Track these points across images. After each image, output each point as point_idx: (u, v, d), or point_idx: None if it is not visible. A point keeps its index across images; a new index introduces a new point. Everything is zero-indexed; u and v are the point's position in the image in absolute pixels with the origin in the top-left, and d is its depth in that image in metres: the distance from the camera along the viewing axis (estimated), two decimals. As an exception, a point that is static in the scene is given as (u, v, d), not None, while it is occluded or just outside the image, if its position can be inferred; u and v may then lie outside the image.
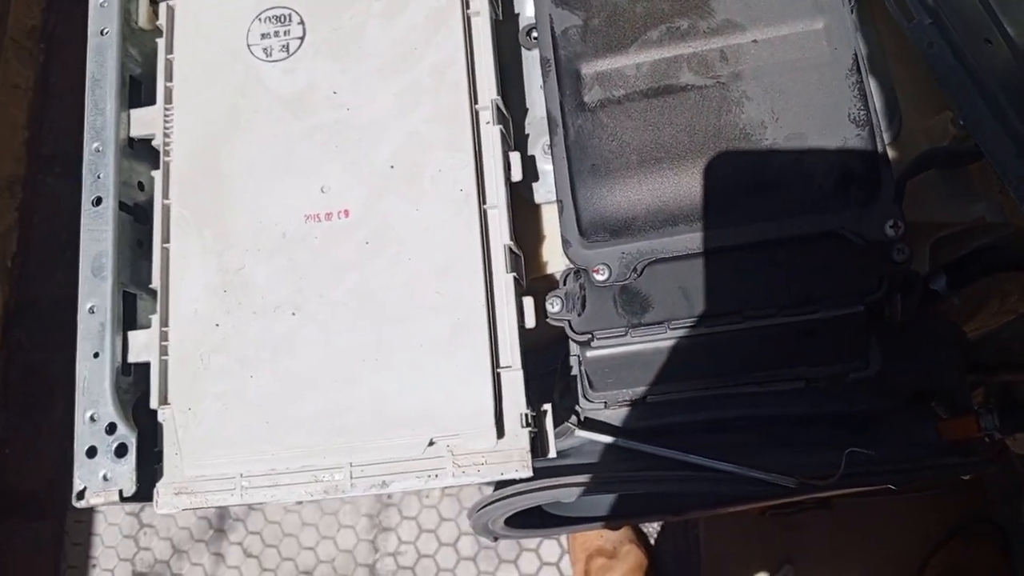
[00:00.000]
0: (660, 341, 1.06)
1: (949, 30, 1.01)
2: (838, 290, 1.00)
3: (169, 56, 1.16)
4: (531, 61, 1.22)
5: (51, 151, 3.01)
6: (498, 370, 1.00)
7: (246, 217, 1.07)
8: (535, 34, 1.22)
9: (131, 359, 1.07)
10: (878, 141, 0.95)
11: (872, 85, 1.05)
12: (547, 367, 1.29)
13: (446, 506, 2.49)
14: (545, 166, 1.18)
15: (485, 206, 1.05)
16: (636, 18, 1.02)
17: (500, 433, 0.99)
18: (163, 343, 1.06)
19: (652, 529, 2.38)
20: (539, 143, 1.19)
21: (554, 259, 1.19)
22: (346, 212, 1.06)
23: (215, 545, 2.61)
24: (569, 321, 1.07)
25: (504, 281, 1.03)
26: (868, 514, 2.23)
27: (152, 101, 1.17)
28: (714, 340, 1.05)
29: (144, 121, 1.15)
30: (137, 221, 1.14)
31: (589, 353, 1.08)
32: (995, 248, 1.16)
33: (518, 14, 1.25)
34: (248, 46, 1.13)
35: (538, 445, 1.03)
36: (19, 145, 2.98)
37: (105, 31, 1.16)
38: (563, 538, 2.37)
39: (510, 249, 1.05)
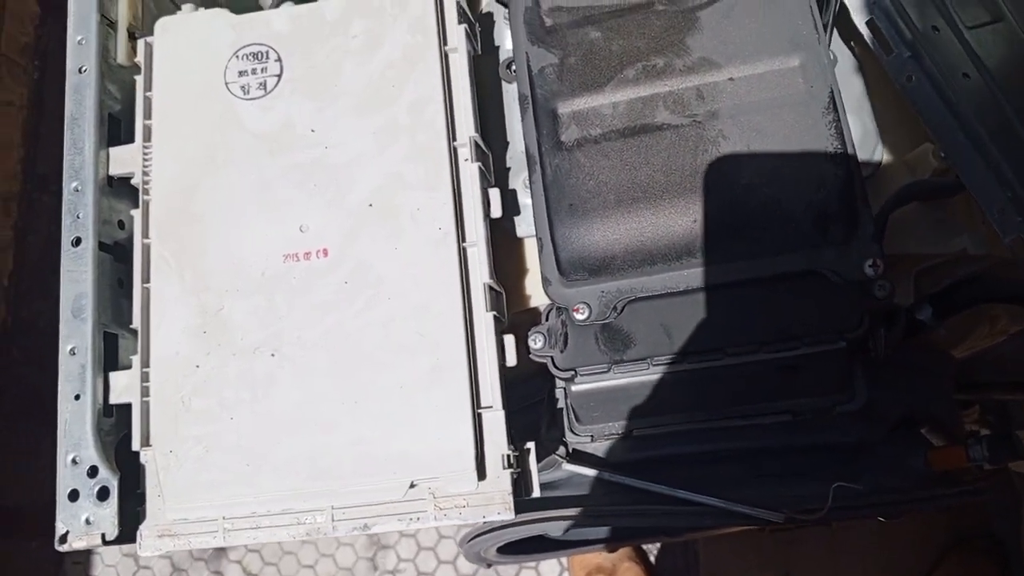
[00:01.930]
0: (643, 376, 1.06)
1: (928, 64, 1.00)
2: (819, 327, 0.99)
3: (148, 94, 1.16)
4: (512, 94, 1.21)
5: (46, 169, 3.01)
6: (479, 411, 0.99)
7: (225, 257, 1.07)
8: (512, 66, 1.22)
9: (112, 400, 1.07)
10: (856, 179, 0.94)
11: (851, 118, 1.04)
12: (533, 398, 1.29)
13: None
14: (527, 200, 1.18)
15: (464, 244, 1.04)
16: (612, 56, 1.01)
17: (481, 475, 0.98)
18: (144, 384, 1.05)
19: (652, 547, 2.37)
20: (520, 177, 1.18)
21: (537, 293, 1.19)
22: (324, 251, 1.05)
23: (215, 564, 2.61)
24: (552, 357, 1.07)
25: (484, 320, 1.02)
26: (866, 529, 2.22)
27: (131, 138, 1.17)
28: (697, 375, 1.05)
29: (123, 159, 1.14)
30: (117, 260, 1.14)
31: (574, 388, 1.08)
32: (979, 279, 1.15)
33: (498, 47, 1.24)
34: (226, 83, 1.13)
35: (521, 485, 1.02)
36: (14, 163, 2.98)
37: (83, 69, 1.16)
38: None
39: (490, 287, 1.04)
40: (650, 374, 1.05)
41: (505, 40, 1.24)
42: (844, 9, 1.00)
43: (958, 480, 1.29)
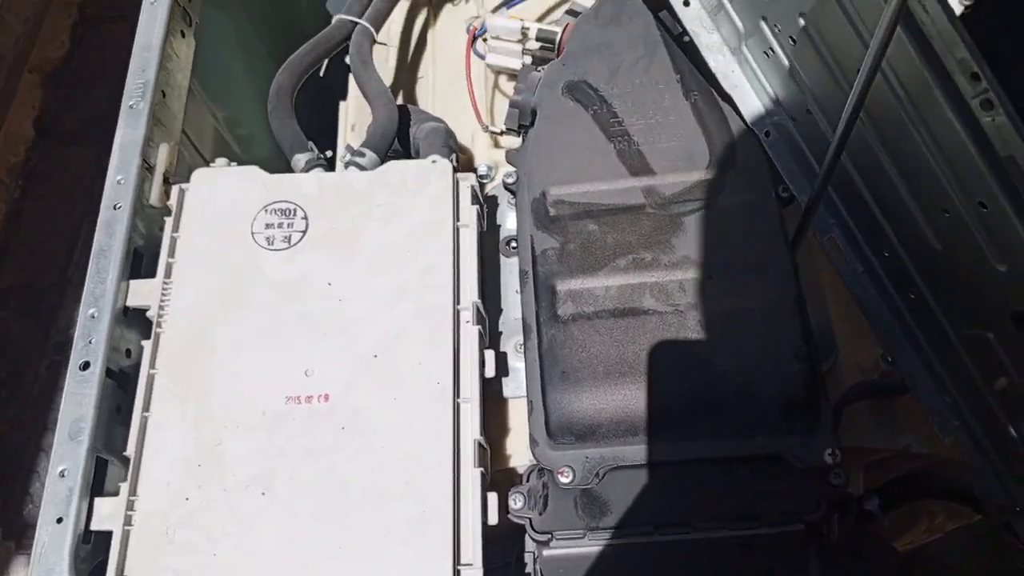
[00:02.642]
0: (615, 544, 1.11)
1: (880, 279, 1.16)
2: (780, 509, 1.07)
3: (174, 234, 1.25)
4: (509, 267, 1.34)
5: (8, 284, 3.01)
6: (458, 567, 1.03)
7: (230, 393, 1.12)
8: (514, 245, 1.35)
9: (94, 527, 1.07)
10: (818, 376, 1.06)
11: (812, 320, 1.18)
12: (501, 559, 1.31)
13: None
14: (516, 363, 1.27)
15: (459, 400, 1.12)
16: (607, 247, 1.15)
17: (455, 631, 1.00)
18: (129, 512, 1.06)
19: None
20: (512, 341, 1.28)
21: (518, 452, 1.25)
22: (326, 397, 1.11)
23: None
24: (530, 519, 1.12)
25: (472, 475, 1.08)
26: None
27: (151, 273, 1.24)
28: (664, 546, 1.10)
29: (142, 292, 1.21)
30: (119, 387, 1.18)
31: (546, 552, 1.12)
32: (922, 475, 1.26)
33: (499, 225, 1.38)
34: (252, 233, 1.23)
35: (491, 645, 1.04)
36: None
37: (118, 206, 1.25)
38: None
39: (479, 444, 1.11)
40: (621, 543, 1.11)
41: (507, 220, 1.38)
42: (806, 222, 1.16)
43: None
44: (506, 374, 1.26)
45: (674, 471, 1.06)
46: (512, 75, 1.60)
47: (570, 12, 1.60)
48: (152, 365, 1.15)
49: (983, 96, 0.79)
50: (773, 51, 1.09)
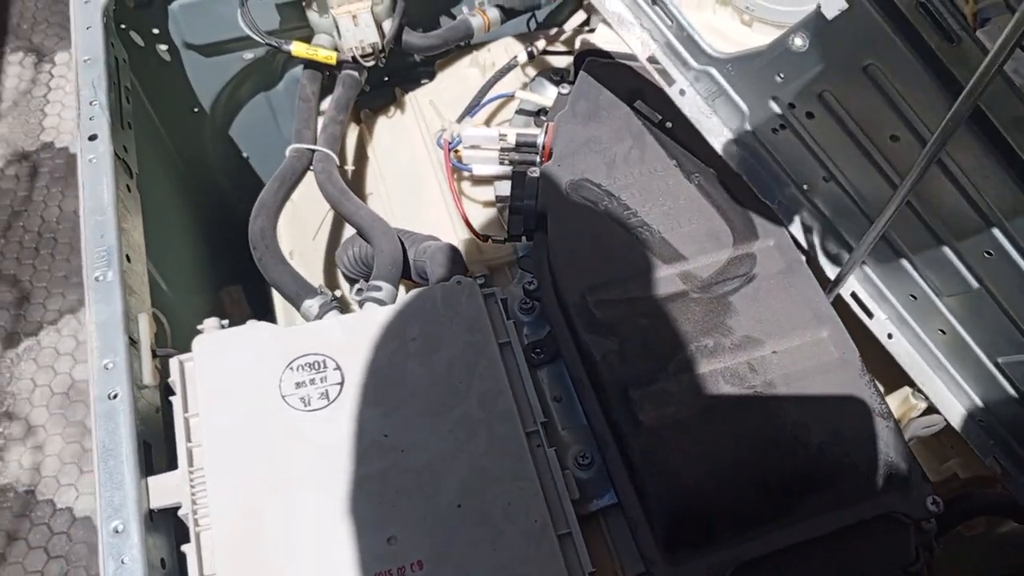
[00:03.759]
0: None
1: (907, 323, 1.23)
2: (888, 566, 1.09)
3: (186, 415, 1.10)
4: (538, 377, 1.28)
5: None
6: None
7: (308, 584, 0.98)
8: (538, 351, 1.30)
9: None
10: (900, 429, 1.10)
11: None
12: None
13: None
14: (580, 475, 1.21)
15: (560, 534, 1.05)
16: (666, 340, 1.14)
17: None
18: None
19: None
20: (569, 454, 1.22)
21: (605, 572, 1.19)
22: (420, 564, 1.00)
23: None
24: (652, 638, 1.06)
25: (597, 613, 1.01)
26: None
27: (162, 466, 1.08)
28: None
29: (167, 489, 1.05)
30: (160, 605, 1.00)
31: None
32: (970, 496, 1.33)
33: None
34: (283, 397, 1.10)
35: None
36: None
37: (114, 395, 1.08)
38: None
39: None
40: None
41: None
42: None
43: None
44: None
45: (792, 553, 1.05)
46: (479, 180, 1.57)
47: (521, 112, 1.62)
48: (202, 572, 0.99)
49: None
50: (784, 127, 1.14)
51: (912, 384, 1.30)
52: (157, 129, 1.84)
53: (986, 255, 1.05)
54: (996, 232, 1.01)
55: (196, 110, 1.90)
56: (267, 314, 1.75)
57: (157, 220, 1.78)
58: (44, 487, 2.63)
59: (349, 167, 1.75)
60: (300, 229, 1.82)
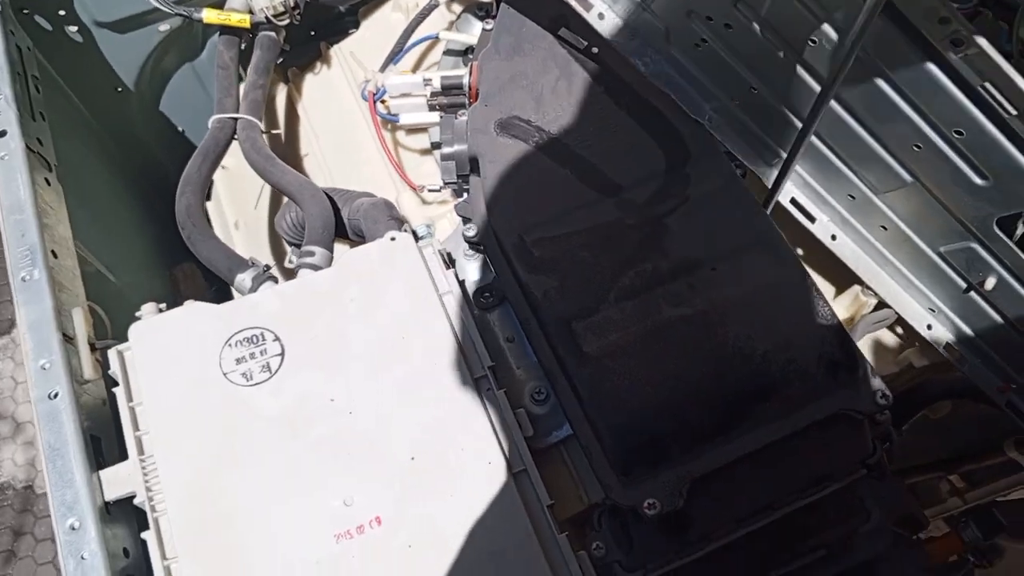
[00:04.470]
0: (704, 552, 1.09)
1: (850, 223, 1.21)
2: (846, 462, 1.10)
3: (131, 404, 1.09)
4: (488, 320, 1.27)
5: None
6: (582, 641, 0.97)
7: (271, 554, 0.99)
8: (487, 295, 1.29)
9: None
10: (843, 327, 1.09)
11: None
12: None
13: None
14: (537, 410, 1.21)
15: (515, 472, 1.05)
16: (605, 270, 1.12)
17: None
18: None
19: None
20: (525, 391, 1.23)
21: (568, 501, 1.20)
22: (378, 520, 1.01)
23: None
24: (619, 561, 1.08)
25: (560, 544, 1.02)
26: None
27: (113, 457, 1.08)
28: (749, 537, 1.10)
29: (120, 480, 1.05)
30: (132, 592, 1.01)
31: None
32: (925, 385, 1.35)
33: (463, 280, 1.32)
34: (225, 374, 1.09)
35: None
36: None
37: (54, 394, 1.07)
38: None
39: (550, 508, 1.05)
40: (710, 548, 1.09)
41: (469, 273, 1.32)
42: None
43: (954, 565, 1.42)
44: (536, 426, 1.20)
45: (747, 462, 1.06)
46: (410, 129, 1.54)
47: (449, 53, 1.57)
48: (164, 555, 1.00)
49: (953, 36, 0.84)
50: (705, 41, 1.11)
51: (861, 282, 1.29)
52: (82, 114, 1.79)
53: (915, 148, 1.03)
54: (920, 123, 0.99)
55: (120, 89, 1.84)
56: (226, 287, 1.73)
57: (95, 209, 1.75)
58: (41, 480, 2.66)
59: (281, 130, 1.71)
60: (242, 198, 1.79)
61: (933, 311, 1.26)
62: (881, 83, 0.97)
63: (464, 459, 1.05)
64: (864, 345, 1.32)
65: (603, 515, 1.11)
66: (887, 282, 1.26)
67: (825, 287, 1.37)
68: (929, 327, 1.27)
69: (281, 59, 1.79)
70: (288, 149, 1.68)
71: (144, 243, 1.93)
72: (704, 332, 1.08)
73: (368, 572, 0.98)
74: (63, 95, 1.71)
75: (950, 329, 1.26)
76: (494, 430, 1.07)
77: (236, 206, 1.81)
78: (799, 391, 1.05)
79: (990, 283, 1.12)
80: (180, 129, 2.02)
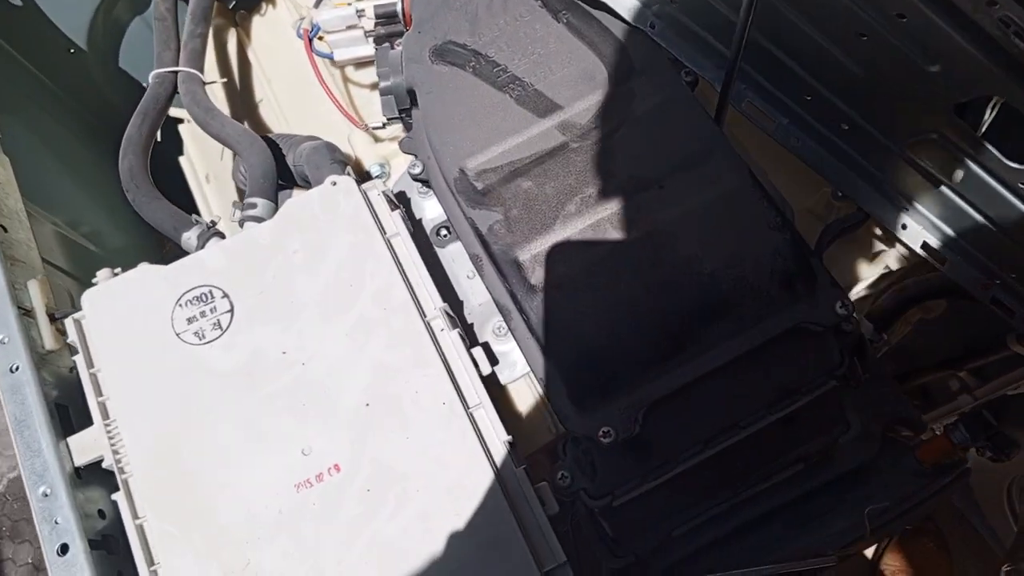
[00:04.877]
0: (672, 474, 1.09)
1: (809, 124, 1.15)
2: (811, 374, 1.07)
3: (92, 370, 1.10)
4: (448, 257, 1.26)
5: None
6: (545, 571, 0.98)
7: (235, 508, 1.01)
8: (445, 232, 1.27)
9: None
10: (799, 238, 1.05)
11: (761, 188, 1.17)
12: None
13: None
14: (501, 348, 1.21)
15: (470, 410, 1.05)
16: (550, 198, 1.09)
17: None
18: (182, 677, 0.95)
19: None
20: (487, 327, 1.22)
21: (537, 432, 1.21)
22: (336, 467, 1.02)
23: None
24: (585, 489, 1.08)
25: (517, 477, 1.02)
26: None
27: (83, 423, 1.10)
28: (718, 456, 1.09)
29: (86, 445, 1.07)
30: (109, 553, 1.04)
31: (614, 506, 1.08)
32: (905, 287, 1.30)
33: (420, 219, 1.29)
34: (177, 335, 1.09)
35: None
36: None
37: (15, 367, 1.09)
38: None
39: (508, 443, 1.05)
40: (678, 470, 1.09)
41: (425, 211, 1.30)
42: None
43: (948, 467, 1.39)
44: (496, 362, 1.20)
45: (705, 383, 1.04)
46: (360, 64, 1.49)
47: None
48: (135, 515, 1.02)
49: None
50: (633, -59, 1.04)
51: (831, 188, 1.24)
52: (39, 80, 1.76)
53: (862, 38, 0.96)
54: (861, 11, 0.92)
55: (73, 51, 1.80)
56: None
57: (68, 178, 1.75)
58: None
59: (235, 77, 1.67)
60: (212, 151, 1.76)
61: (906, 210, 1.20)
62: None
63: (418, 401, 1.05)
64: (839, 250, 1.27)
65: (567, 444, 1.11)
66: (855, 181, 1.20)
67: (796, 195, 1.31)
68: (904, 227, 1.22)
69: (232, 4, 1.74)
70: (242, 97, 1.64)
71: (129, 209, 1.92)
72: (652, 254, 1.04)
73: (329, 517, 1.00)
74: (15, 63, 1.68)
75: (926, 227, 1.20)
76: (448, 370, 1.07)
77: (206, 160, 1.78)
78: (752, 308, 1.02)
79: (958, 175, 1.06)
80: (145, 85, 1.98)
